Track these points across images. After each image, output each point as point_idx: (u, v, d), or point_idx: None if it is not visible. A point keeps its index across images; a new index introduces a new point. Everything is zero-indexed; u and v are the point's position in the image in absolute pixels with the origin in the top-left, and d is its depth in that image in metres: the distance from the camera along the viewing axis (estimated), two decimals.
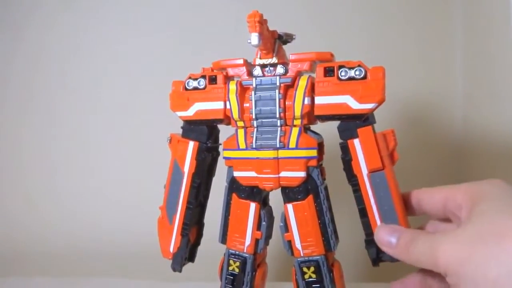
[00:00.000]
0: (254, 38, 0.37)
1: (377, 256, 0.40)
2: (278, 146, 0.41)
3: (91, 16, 0.96)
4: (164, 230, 0.47)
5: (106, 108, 0.96)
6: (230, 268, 0.45)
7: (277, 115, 0.41)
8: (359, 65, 0.39)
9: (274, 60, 0.42)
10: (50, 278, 0.74)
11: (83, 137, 0.98)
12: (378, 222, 0.39)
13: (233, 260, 0.45)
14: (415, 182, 0.75)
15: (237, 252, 0.45)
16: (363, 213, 0.40)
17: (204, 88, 0.45)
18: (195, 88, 0.45)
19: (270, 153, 0.42)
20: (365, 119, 0.39)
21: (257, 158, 0.42)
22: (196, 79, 0.45)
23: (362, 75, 0.39)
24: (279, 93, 0.41)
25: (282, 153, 0.42)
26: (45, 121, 1.00)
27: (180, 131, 0.47)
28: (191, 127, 0.46)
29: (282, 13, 0.78)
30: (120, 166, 0.95)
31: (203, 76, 0.45)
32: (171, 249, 0.47)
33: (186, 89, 0.46)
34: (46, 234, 0.94)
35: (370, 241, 0.40)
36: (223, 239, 0.46)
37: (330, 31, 0.85)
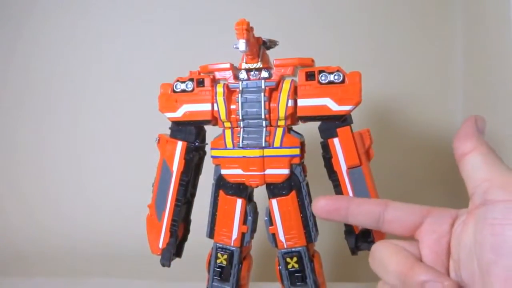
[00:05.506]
0: (242, 44, 0.39)
1: (356, 245, 0.43)
2: (263, 145, 0.44)
3: (89, 17, 0.96)
4: (152, 227, 0.49)
5: (99, 109, 0.96)
6: (218, 261, 0.47)
7: (263, 116, 0.44)
8: (337, 70, 0.42)
9: (259, 64, 0.44)
10: (50, 278, 0.73)
11: (81, 138, 0.97)
12: None
13: (220, 253, 0.47)
14: (414, 183, 0.80)
15: (224, 246, 0.47)
16: None
17: (192, 91, 0.47)
18: (183, 91, 0.47)
19: (256, 152, 0.44)
20: (344, 119, 0.43)
21: (244, 156, 0.45)
22: (184, 82, 0.47)
23: (340, 79, 0.42)
24: (264, 95, 0.43)
25: (268, 152, 0.44)
26: (42, 122, 0.98)
27: (168, 131, 0.49)
28: (179, 128, 0.48)
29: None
30: (119, 166, 0.94)
31: (191, 79, 0.47)
32: (160, 245, 0.49)
33: (174, 91, 0.47)
34: (46, 235, 0.93)
35: (349, 232, 0.43)
36: (211, 233, 0.48)
37: (330, 32, 0.85)
